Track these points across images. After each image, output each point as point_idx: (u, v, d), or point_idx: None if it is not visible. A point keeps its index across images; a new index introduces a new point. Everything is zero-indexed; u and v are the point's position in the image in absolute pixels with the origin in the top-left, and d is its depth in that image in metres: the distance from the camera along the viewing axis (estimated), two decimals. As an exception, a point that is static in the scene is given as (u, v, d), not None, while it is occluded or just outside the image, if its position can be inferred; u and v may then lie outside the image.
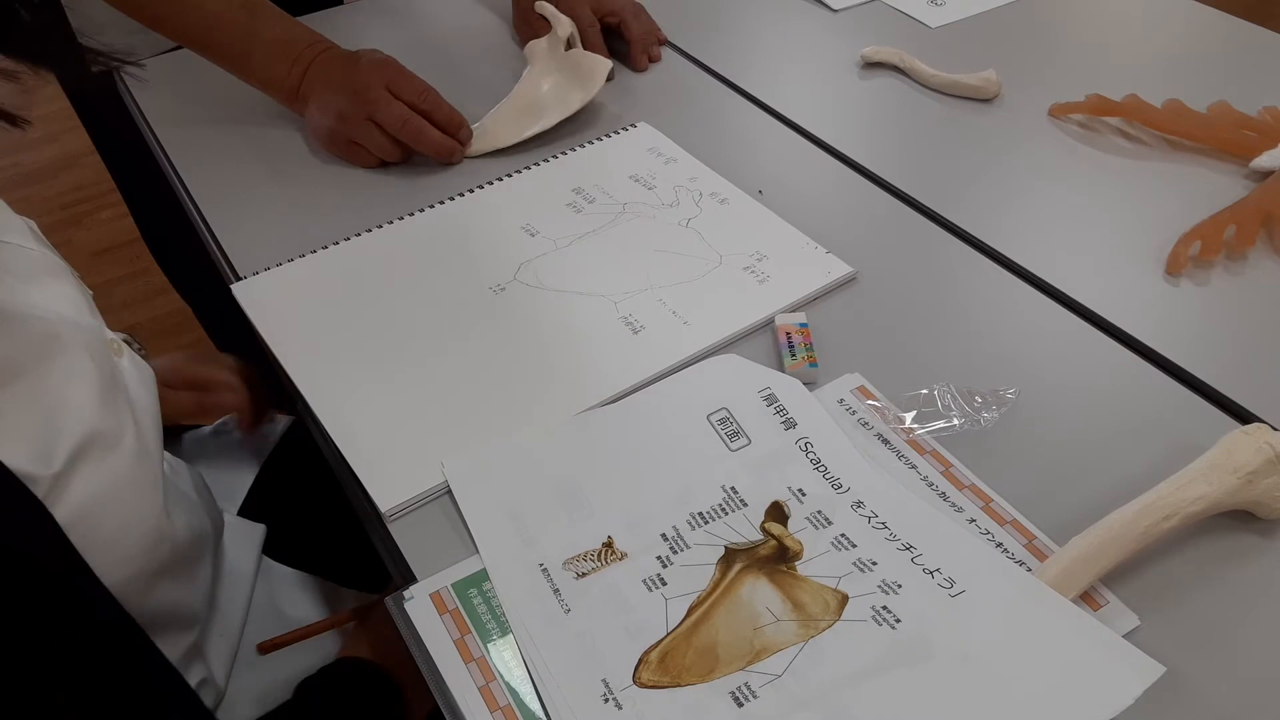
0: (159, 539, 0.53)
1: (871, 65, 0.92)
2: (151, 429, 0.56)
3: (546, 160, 0.82)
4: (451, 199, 0.78)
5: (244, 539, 0.73)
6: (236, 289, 0.72)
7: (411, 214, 0.77)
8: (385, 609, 0.53)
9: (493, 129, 0.84)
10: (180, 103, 0.91)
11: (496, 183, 0.80)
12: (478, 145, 0.83)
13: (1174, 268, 0.70)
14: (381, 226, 0.76)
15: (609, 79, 0.85)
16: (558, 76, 0.85)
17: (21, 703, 0.40)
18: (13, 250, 0.53)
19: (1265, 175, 0.77)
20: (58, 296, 0.54)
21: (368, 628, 0.66)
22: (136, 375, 0.57)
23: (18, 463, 0.43)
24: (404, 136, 0.80)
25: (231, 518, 0.73)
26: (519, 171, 0.81)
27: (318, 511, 0.80)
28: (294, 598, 0.72)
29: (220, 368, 0.82)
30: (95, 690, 0.44)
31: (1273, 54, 0.92)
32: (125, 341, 0.59)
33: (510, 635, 0.51)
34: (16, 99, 0.44)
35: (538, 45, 0.88)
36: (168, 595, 0.55)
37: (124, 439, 0.51)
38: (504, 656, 0.50)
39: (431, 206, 0.78)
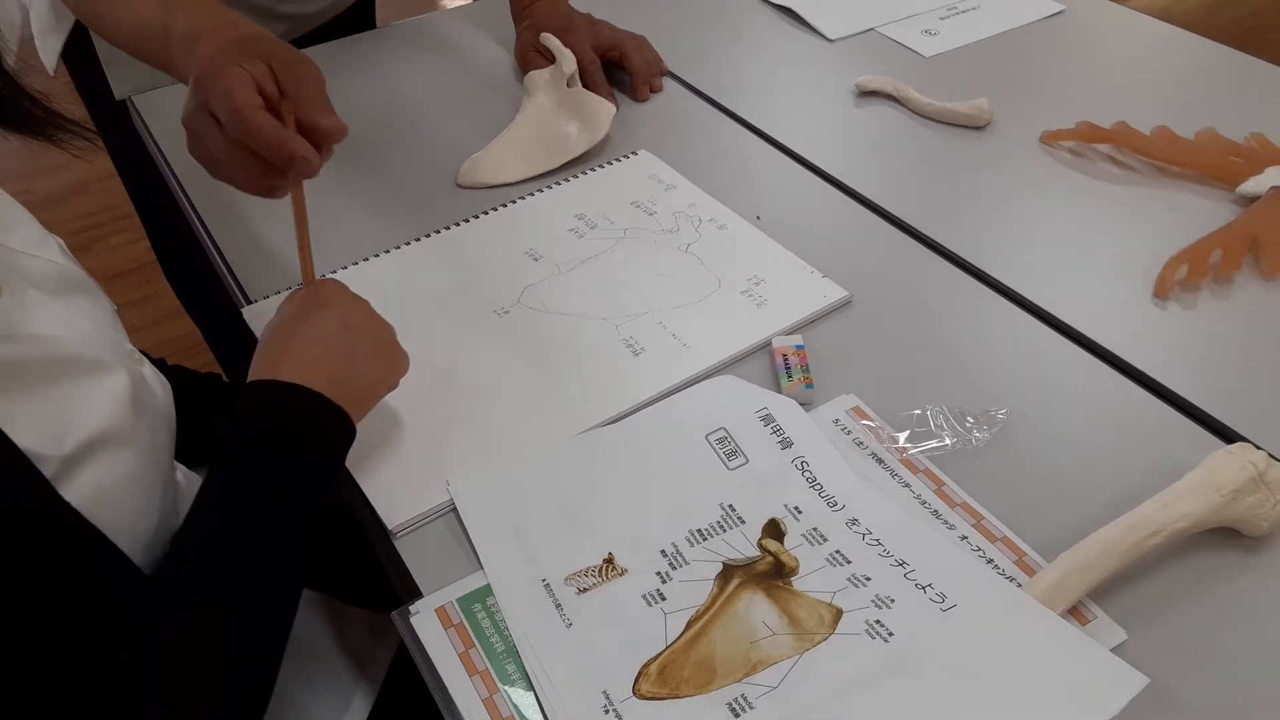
0: (166, 538, 0.55)
1: (866, 94, 0.94)
2: (165, 436, 0.58)
3: (550, 187, 0.84)
4: (457, 224, 0.80)
5: None
6: (248, 312, 0.74)
7: (418, 239, 0.79)
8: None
9: (492, 163, 0.86)
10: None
11: (501, 209, 0.82)
12: (479, 177, 0.85)
13: (1162, 291, 0.71)
14: (389, 251, 0.78)
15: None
16: (560, 113, 0.88)
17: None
18: (42, 264, 0.55)
19: (1251, 200, 0.79)
20: (82, 309, 0.56)
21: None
22: (157, 386, 0.59)
23: (25, 442, 0.46)
24: (231, 129, 0.59)
25: None
26: (523, 198, 0.83)
27: (325, 533, 0.81)
28: (303, 616, 0.73)
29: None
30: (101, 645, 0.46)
31: (1260, 82, 0.95)
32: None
33: (513, 648, 0.52)
34: None
35: (539, 77, 0.90)
36: None
37: (138, 440, 0.53)
38: (507, 669, 0.52)
39: (438, 231, 0.80)
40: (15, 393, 0.47)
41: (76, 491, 0.48)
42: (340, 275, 0.76)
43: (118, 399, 0.52)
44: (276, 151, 0.59)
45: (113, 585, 0.51)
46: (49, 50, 1.01)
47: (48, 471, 0.47)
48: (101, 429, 0.50)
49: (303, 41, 1.04)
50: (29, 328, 0.51)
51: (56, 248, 0.59)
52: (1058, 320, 0.70)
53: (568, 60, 0.88)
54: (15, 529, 0.45)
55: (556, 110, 0.88)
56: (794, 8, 1.07)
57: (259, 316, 0.73)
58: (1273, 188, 0.78)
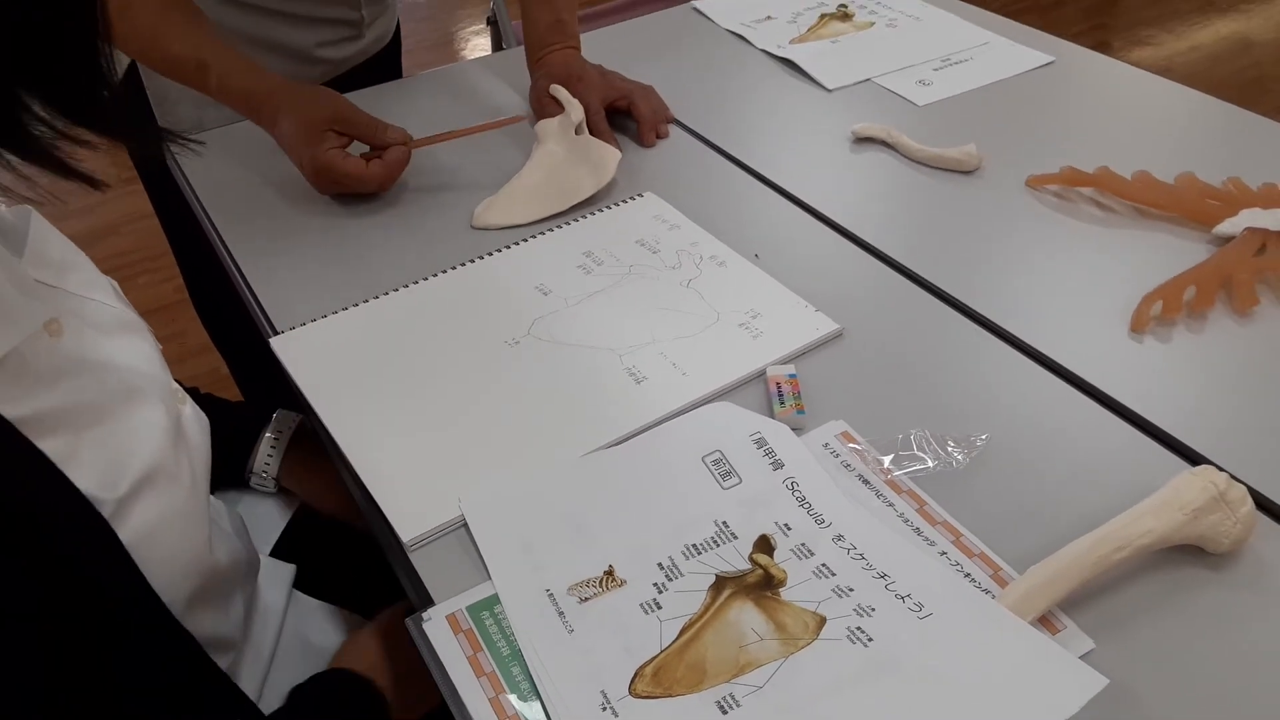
0: (201, 569, 0.59)
1: (861, 140, 0.99)
2: (203, 471, 0.62)
3: (560, 226, 0.89)
4: (473, 261, 0.85)
5: (276, 577, 0.79)
6: (274, 342, 0.79)
7: (435, 275, 0.84)
8: (390, 628, 0.58)
9: (504, 206, 0.91)
10: (224, 168, 0.99)
11: (514, 246, 0.87)
12: (492, 219, 0.90)
13: (1138, 325, 0.75)
14: (408, 286, 0.83)
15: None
16: (569, 159, 0.93)
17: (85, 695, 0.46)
18: (97, 307, 0.60)
19: (1226, 240, 0.83)
20: (134, 350, 0.60)
21: (364, 641, 0.71)
22: (196, 423, 0.63)
23: (86, 486, 0.49)
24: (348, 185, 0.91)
25: (265, 558, 0.79)
26: (534, 236, 0.88)
27: (343, 551, 0.85)
28: (321, 628, 0.77)
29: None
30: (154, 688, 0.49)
31: (1239, 129, 0.99)
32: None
33: (518, 652, 0.56)
34: (91, 162, 0.50)
35: (549, 125, 0.96)
36: (206, 622, 0.61)
37: (181, 476, 0.57)
38: (513, 672, 0.55)
39: (454, 268, 0.85)
40: (79, 431, 0.50)
41: (128, 531, 0.51)
42: (363, 308, 0.81)
43: (165, 435, 0.56)
44: (386, 178, 0.92)
45: (148, 633, 0.54)
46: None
47: (105, 513, 0.50)
48: (150, 466, 0.53)
49: (335, 85, 1.11)
50: (89, 368, 0.54)
51: (110, 289, 0.64)
52: (1038, 352, 0.74)
53: (575, 110, 0.93)
54: (77, 575, 0.48)
55: (566, 156, 0.93)
56: (795, 60, 1.12)
57: (285, 346, 0.78)
58: (1247, 228, 0.82)
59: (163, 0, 0.91)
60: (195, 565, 0.58)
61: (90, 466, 0.50)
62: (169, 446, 0.56)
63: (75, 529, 0.49)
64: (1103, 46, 2.81)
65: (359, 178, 0.90)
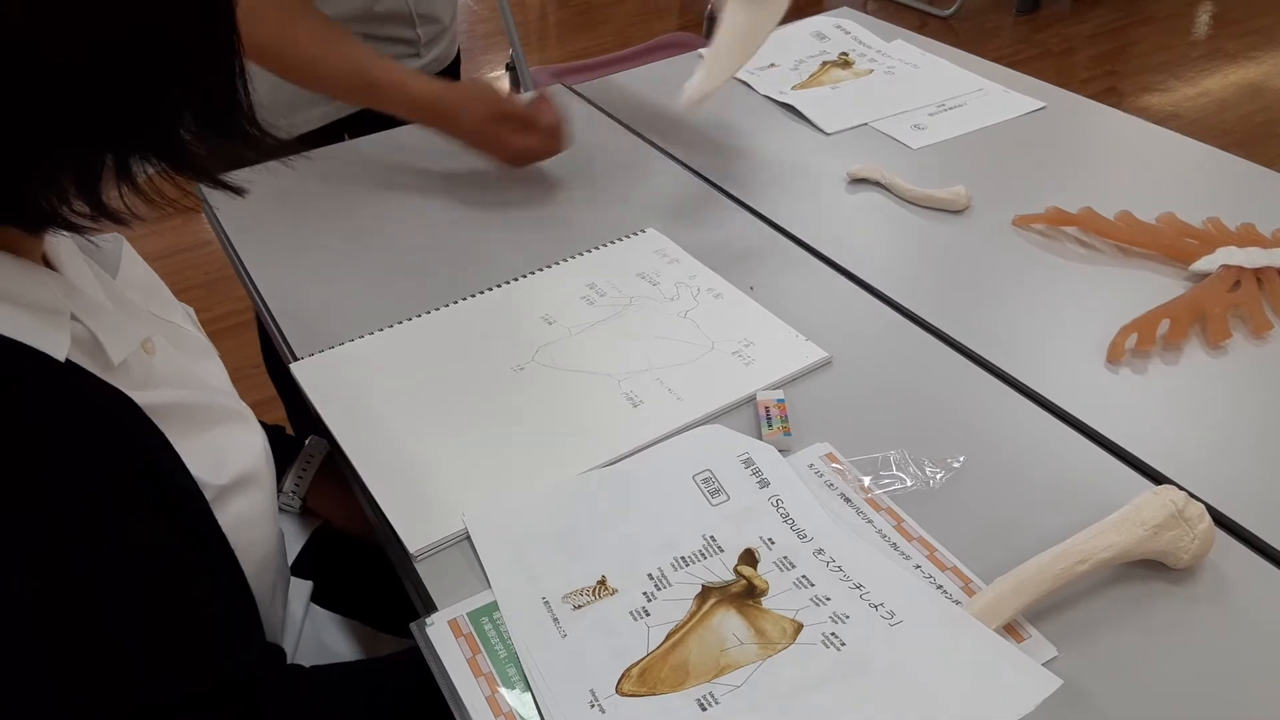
0: (271, 569, 0.65)
1: (857, 180, 1.03)
2: (273, 483, 0.68)
3: (567, 259, 0.94)
4: (483, 291, 0.90)
5: (296, 591, 0.83)
6: (295, 368, 0.83)
7: (447, 305, 0.89)
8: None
9: (709, 74, 0.97)
10: (250, 199, 1.05)
11: (522, 278, 0.92)
12: (703, 86, 0.98)
13: (1113, 356, 0.79)
14: (420, 315, 0.88)
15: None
16: (745, 9, 0.99)
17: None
18: (178, 330, 0.66)
19: (1204, 277, 0.86)
20: (214, 372, 0.67)
21: None
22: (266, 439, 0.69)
23: (196, 470, 0.56)
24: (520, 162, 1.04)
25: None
26: (543, 269, 0.93)
27: (357, 568, 0.89)
28: (336, 637, 0.81)
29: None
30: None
31: (1220, 171, 1.03)
32: None
33: (514, 655, 0.60)
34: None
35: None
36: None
37: (266, 484, 0.64)
38: (508, 672, 0.59)
39: (465, 299, 0.89)
40: (186, 429, 0.57)
41: (226, 519, 0.58)
42: (378, 336, 0.86)
43: (258, 446, 0.63)
44: (563, 138, 1.03)
45: (235, 614, 0.60)
46: None
47: (208, 496, 0.56)
48: (246, 470, 0.60)
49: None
50: (181, 383, 0.61)
51: (186, 316, 0.70)
52: (1016, 380, 0.77)
53: None
54: (180, 548, 0.54)
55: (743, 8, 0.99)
56: (796, 105, 1.18)
57: (304, 371, 0.83)
58: (1222, 265, 0.86)
59: (290, 7, 0.99)
60: (270, 563, 0.64)
61: (196, 455, 0.56)
62: (261, 457, 0.63)
63: (184, 505, 0.55)
64: (1113, 92, 2.87)
65: (547, 150, 1.03)
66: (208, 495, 0.57)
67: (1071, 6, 3.43)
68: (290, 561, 0.88)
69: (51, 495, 0.48)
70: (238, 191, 0.54)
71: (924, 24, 3.35)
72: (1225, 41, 3.15)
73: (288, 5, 1.00)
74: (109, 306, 0.57)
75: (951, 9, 3.33)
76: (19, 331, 0.49)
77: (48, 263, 0.55)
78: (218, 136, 0.51)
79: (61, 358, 0.50)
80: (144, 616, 0.51)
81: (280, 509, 0.92)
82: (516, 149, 1.02)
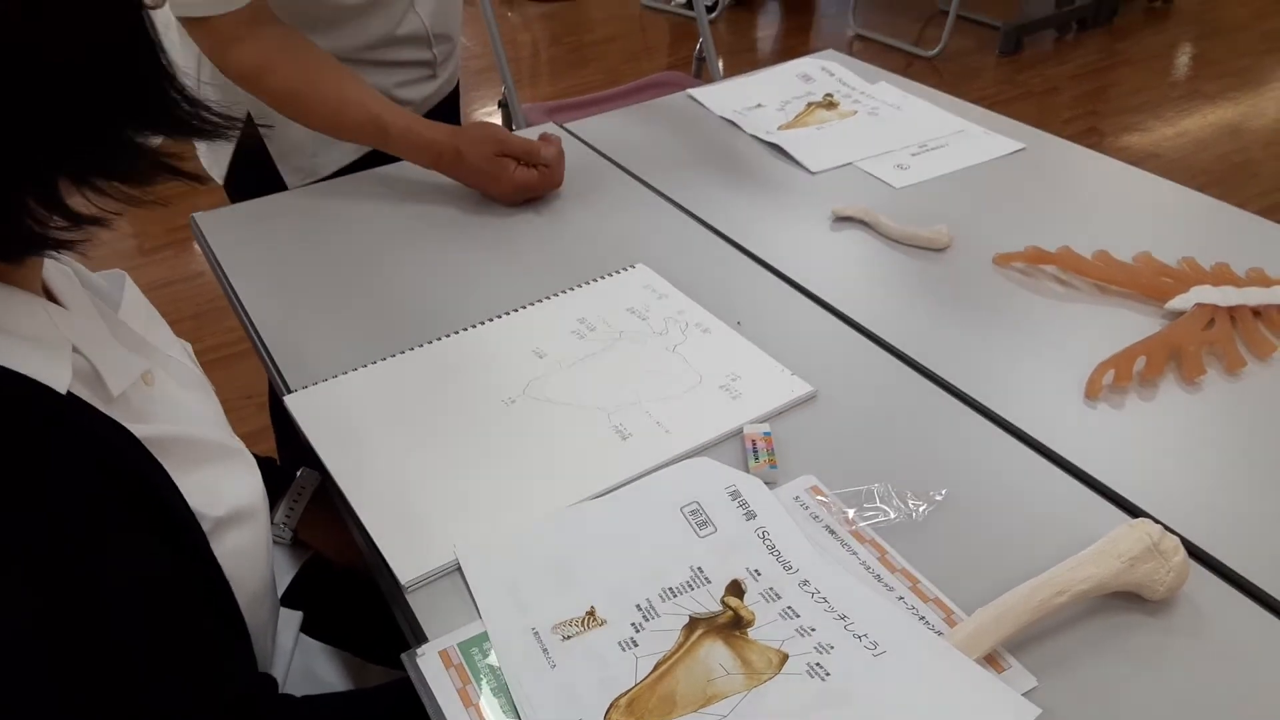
0: (265, 601, 0.66)
1: (841, 219, 1.06)
2: (266, 516, 0.69)
3: (557, 294, 0.96)
4: (475, 325, 0.92)
5: (286, 622, 0.83)
6: (289, 400, 0.85)
7: (440, 338, 0.90)
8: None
9: None
10: (245, 234, 1.07)
11: (514, 313, 0.93)
12: None
13: (1091, 392, 0.81)
14: (413, 349, 0.89)
15: None
16: None
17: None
18: (177, 364, 0.67)
19: (1178, 315, 0.88)
20: (210, 408, 0.69)
21: None
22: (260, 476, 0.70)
23: (194, 503, 0.57)
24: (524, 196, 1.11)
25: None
26: (534, 303, 0.94)
27: (346, 599, 0.90)
28: (326, 668, 0.82)
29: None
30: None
31: (1194, 212, 1.06)
32: None
33: (504, 685, 0.60)
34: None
35: None
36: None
37: (262, 517, 0.65)
38: (498, 703, 0.60)
39: (457, 332, 0.91)
40: (184, 463, 0.58)
41: (221, 551, 0.59)
42: (371, 369, 0.87)
43: (253, 482, 0.64)
44: (560, 175, 1.11)
45: (230, 642, 0.61)
46: (220, 159, 1.22)
47: (205, 528, 0.57)
48: (241, 504, 0.61)
49: None
50: (179, 417, 0.62)
51: (185, 351, 0.71)
52: (997, 415, 0.79)
53: None
54: (178, 573, 0.55)
55: None
56: (782, 144, 1.20)
57: (298, 404, 0.84)
58: (1197, 304, 0.88)
59: (309, 58, 1.06)
60: (263, 596, 0.65)
61: (194, 489, 0.58)
62: (257, 493, 0.64)
63: (182, 534, 0.56)
64: (1094, 132, 2.92)
65: (545, 184, 1.10)
66: (204, 527, 0.58)
67: (1054, 48, 3.50)
68: (280, 592, 0.89)
69: (54, 507, 0.49)
70: (198, 179, 0.55)
71: (909, 64, 3.41)
72: (1204, 83, 3.22)
73: (304, 59, 1.04)
74: (110, 339, 0.58)
75: (936, 50, 3.40)
76: (21, 363, 0.50)
77: (50, 295, 0.57)
78: (161, 132, 0.52)
79: (63, 390, 0.51)
80: (146, 625, 0.52)
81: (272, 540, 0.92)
82: (516, 184, 1.08)
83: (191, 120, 0.53)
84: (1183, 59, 3.44)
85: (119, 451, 0.54)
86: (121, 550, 0.51)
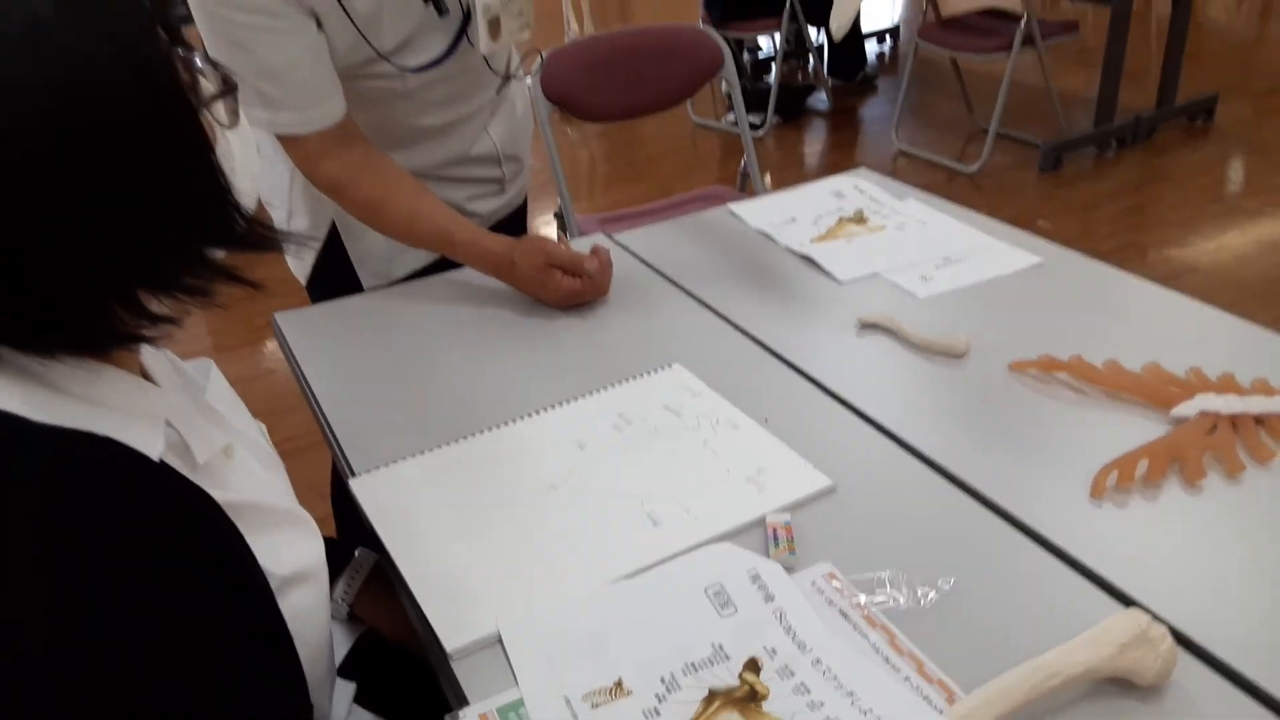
0: (323, 663, 0.73)
1: (867, 326, 1.13)
2: (325, 580, 0.77)
3: (599, 390, 1.04)
4: (523, 417, 1.00)
5: (341, 693, 0.90)
6: (353, 484, 0.93)
7: (491, 428, 0.98)
8: None
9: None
10: (321, 332, 1.17)
11: (559, 406, 1.01)
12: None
13: (1095, 493, 0.86)
14: (466, 438, 0.97)
15: None
16: None
17: None
18: (254, 442, 0.76)
19: (1183, 421, 0.93)
20: (278, 480, 0.77)
21: None
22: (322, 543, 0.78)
23: (264, 562, 0.64)
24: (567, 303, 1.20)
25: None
26: (578, 398, 1.03)
27: (399, 673, 0.96)
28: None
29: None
30: None
31: (1206, 327, 1.11)
32: None
33: (537, 745, 0.66)
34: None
35: None
36: None
37: (321, 579, 0.72)
38: (530, 761, 0.65)
39: (507, 423, 0.99)
40: (256, 526, 0.65)
41: (286, 609, 0.65)
42: (429, 455, 0.95)
43: (316, 547, 0.71)
44: (605, 284, 1.22)
45: (293, 689, 0.67)
46: (305, 262, 1.36)
47: (273, 585, 0.65)
48: (304, 566, 0.68)
49: None
50: (253, 487, 0.70)
51: (260, 431, 0.80)
52: (1004, 510, 0.84)
53: None
54: (248, 626, 0.62)
55: None
56: (813, 256, 1.29)
57: (361, 487, 0.92)
58: (1200, 411, 0.93)
59: (388, 174, 1.19)
60: (321, 657, 0.72)
61: (264, 550, 0.65)
62: (318, 558, 0.71)
63: (255, 589, 0.63)
64: (1134, 246, 2.98)
65: (590, 293, 1.20)
66: (273, 585, 0.65)
67: (1094, 165, 3.59)
68: (337, 664, 0.96)
69: (146, 557, 0.56)
70: (256, 286, 0.62)
71: (950, 179, 3.52)
72: (1245, 199, 3.27)
73: (384, 174, 1.17)
74: (197, 416, 0.67)
75: (976, 165, 3.51)
76: (121, 433, 0.59)
77: (146, 376, 0.66)
78: (223, 247, 0.60)
79: (156, 457, 0.60)
80: (223, 669, 0.58)
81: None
82: (562, 292, 1.18)
83: (247, 236, 0.62)
84: (1223, 175, 3.50)
85: (202, 514, 0.62)
86: (207, 595, 0.59)
